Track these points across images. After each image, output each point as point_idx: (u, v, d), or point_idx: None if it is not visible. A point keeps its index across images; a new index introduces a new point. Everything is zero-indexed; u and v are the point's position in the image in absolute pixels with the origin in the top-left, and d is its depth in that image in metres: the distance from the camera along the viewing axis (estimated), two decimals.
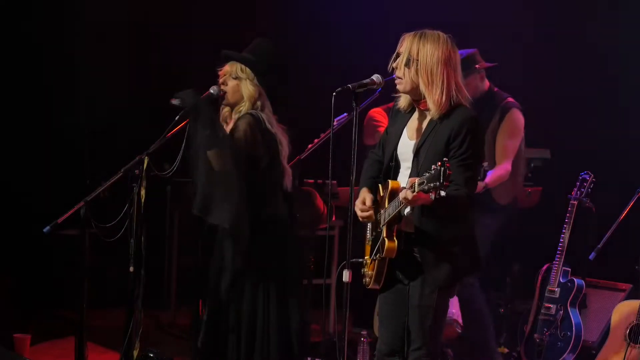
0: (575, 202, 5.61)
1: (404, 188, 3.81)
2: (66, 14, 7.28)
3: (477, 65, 5.63)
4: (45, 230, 4.55)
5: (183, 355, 5.71)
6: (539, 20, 7.29)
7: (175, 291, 7.24)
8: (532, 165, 6.51)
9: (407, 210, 3.84)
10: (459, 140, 3.83)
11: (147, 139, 4.66)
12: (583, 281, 5.64)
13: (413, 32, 3.96)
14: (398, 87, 3.97)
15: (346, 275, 3.84)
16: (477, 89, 5.64)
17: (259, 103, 4.67)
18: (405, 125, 4.06)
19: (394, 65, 3.95)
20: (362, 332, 5.57)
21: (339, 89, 3.91)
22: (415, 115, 4.05)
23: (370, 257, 4.02)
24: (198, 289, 4.85)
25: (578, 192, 5.61)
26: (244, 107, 4.67)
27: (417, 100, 3.97)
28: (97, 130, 7.38)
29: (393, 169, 4.05)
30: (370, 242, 4.08)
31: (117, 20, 7.40)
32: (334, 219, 6.54)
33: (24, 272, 6.91)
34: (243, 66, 4.68)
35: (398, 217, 3.86)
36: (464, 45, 5.60)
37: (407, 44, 3.93)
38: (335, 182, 5.69)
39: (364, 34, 7.67)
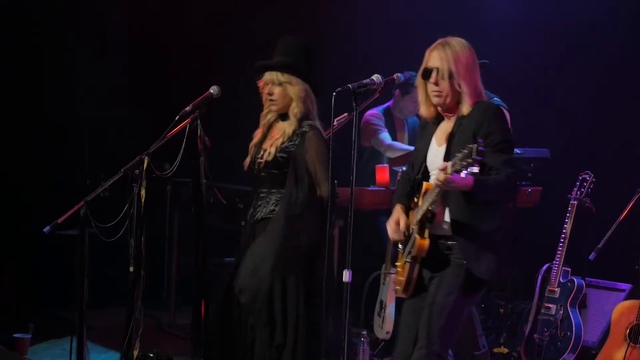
0: (575, 202, 5.60)
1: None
2: (67, 13, 7.28)
3: None
4: (45, 230, 4.55)
5: (183, 355, 5.71)
6: (538, 19, 7.29)
7: (175, 291, 7.23)
8: (532, 165, 6.51)
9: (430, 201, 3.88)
10: (485, 129, 3.88)
11: (147, 139, 4.66)
12: (583, 281, 5.64)
13: (438, 44, 4.00)
14: (437, 100, 3.99)
15: (346, 275, 3.84)
16: None
17: (308, 101, 4.68)
18: (433, 134, 4.11)
19: (432, 80, 3.95)
20: (362, 332, 5.56)
21: (339, 89, 3.91)
22: (443, 123, 4.10)
23: (402, 260, 4.06)
24: (201, 289, 4.83)
25: (578, 192, 5.61)
26: (297, 108, 4.65)
27: (449, 109, 4.02)
28: (97, 130, 7.38)
29: (421, 180, 4.08)
30: (401, 250, 4.13)
31: (117, 20, 7.41)
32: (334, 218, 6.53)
33: (24, 272, 6.91)
34: (281, 72, 4.67)
35: (430, 214, 3.90)
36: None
37: (439, 57, 3.96)
38: (335, 181, 5.68)
39: (364, 34, 7.67)
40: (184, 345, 6.07)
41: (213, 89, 4.71)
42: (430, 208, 3.88)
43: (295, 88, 4.66)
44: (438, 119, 4.11)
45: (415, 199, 4.08)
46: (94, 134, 7.38)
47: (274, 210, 4.65)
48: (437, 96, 3.97)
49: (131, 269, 4.52)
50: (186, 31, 7.63)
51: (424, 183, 3.99)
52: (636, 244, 5.62)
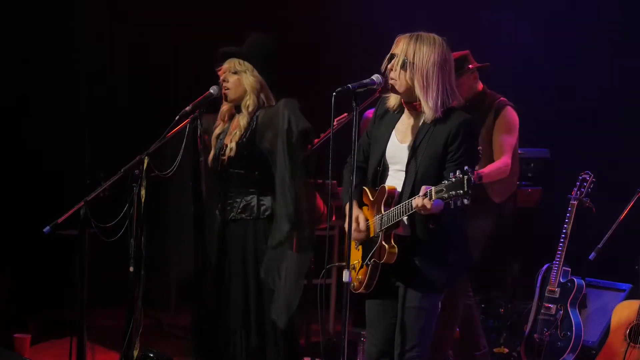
0: (575, 202, 5.60)
1: (398, 191, 3.87)
2: (67, 13, 7.28)
3: (470, 66, 5.62)
4: (45, 230, 4.55)
5: (183, 355, 5.71)
6: (538, 20, 7.30)
7: (175, 291, 7.23)
8: (532, 165, 6.51)
9: (406, 216, 3.85)
10: (457, 143, 3.85)
11: (147, 139, 4.66)
12: (583, 281, 5.64)
13: (409, 34, 3.96)
14: (390, 87, 3.96)
15: (346, 275, 3.84)
16: (471, 89, 5.63)
17: (262, 95, 4.67)
18: (393, 127, 4.06)
19: (389, 66, 3.94)
20: (362, 332, 5.56)
21: (339, 89, 3.90)
22: (404, 117, 4.05)
23: (363, 262, 4.00)
24: (200, 289, 4.84)
25: (578, 192, 5.61)
26: (250, 100, 4.66)
27: (410, 102, 3.97)
28: (97, 130, 7.38)
29: (381, 173, 4.04)
30: (359, 248, 4.06)
31: (117, 20, 7.41)
32: (334, 218, 6.53)
33: (23, 272, 6.91)
34: (241, 60, 4.68)
35: (398, 223, 3.88)
36: (460, 46, 5.63)
37: (402, 46, 3.92)
38: (335, 182, 5.68)
39: (364, 33, 7.67)
40: (184, 345, 6.08)
41: (213, 89, 4.72)
42: (403, 220, 3.85)
43: (250, 79, 4.66)
44: (400, 111, 4.07)
45: (369, 194, 4.03)
46: (94, 133, 7.38)
47: (242, 212, 4.66)
48: (392, 83, 3.94)
49: (131, 269, 4.53)
50: (186, 31, 7.63)
51: (386, 186, 3.95)
52: (636, 244, 5.63)
